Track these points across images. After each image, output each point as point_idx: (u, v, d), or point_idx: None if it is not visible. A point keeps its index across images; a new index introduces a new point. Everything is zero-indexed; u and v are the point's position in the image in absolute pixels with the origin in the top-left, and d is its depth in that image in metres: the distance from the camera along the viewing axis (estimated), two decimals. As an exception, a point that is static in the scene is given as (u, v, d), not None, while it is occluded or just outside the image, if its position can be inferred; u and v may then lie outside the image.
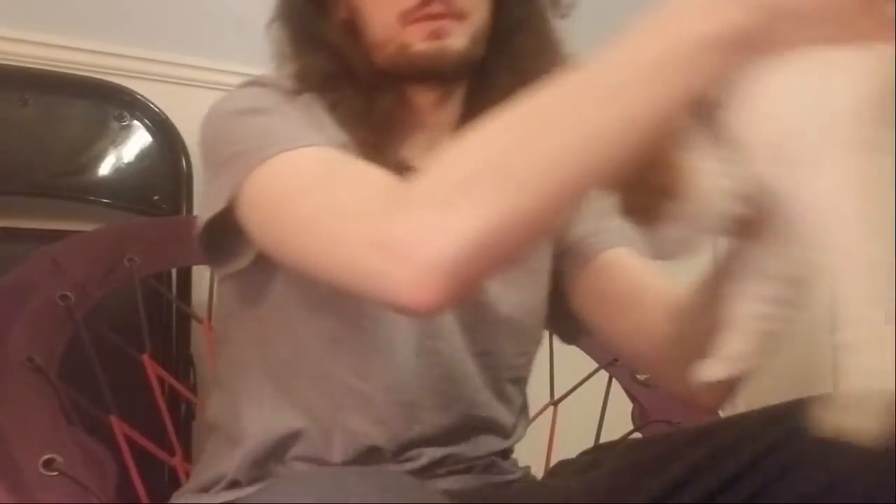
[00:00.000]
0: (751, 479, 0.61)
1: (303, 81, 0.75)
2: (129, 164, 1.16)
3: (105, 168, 1.16)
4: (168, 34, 1.27)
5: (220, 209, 0.65)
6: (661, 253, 0.53)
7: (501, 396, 0.77)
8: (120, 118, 1.16)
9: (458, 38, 0.76)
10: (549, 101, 0.49)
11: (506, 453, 0.80)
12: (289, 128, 0.65)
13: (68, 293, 0.86)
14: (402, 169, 0.60)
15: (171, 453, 0.93)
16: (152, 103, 1.17)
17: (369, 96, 0.74)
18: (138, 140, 1.17)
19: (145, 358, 0.96)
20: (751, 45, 0.45)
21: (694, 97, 0.47)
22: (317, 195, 0.58)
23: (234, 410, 0.75)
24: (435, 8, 0.74)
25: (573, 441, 0.91)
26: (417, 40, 0.75)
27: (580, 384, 0.96)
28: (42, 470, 0.76)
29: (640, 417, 0.96)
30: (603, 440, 0.96)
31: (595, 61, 0.48)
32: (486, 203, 0.47)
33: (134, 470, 0.83)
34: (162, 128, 1.19)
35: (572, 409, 0.92)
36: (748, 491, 0.61)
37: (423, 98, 0.79)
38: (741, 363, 0.52)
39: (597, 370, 0.99)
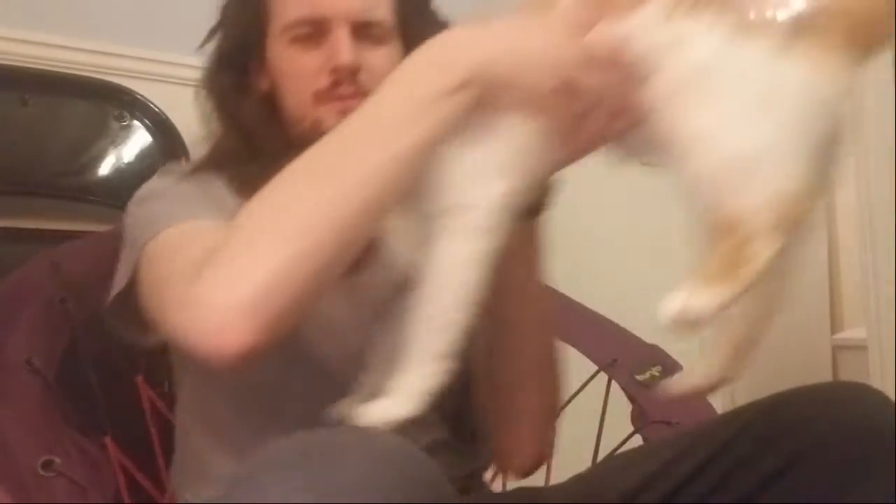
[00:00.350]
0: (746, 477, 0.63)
1: (212, 157, 0.82)
2: (128, 163, 1.16)
3: (105, 168, 1.15)
4: (168, 34, 1.26)
5: (122, 287, 0.71)
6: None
7: (451, 421, 0.79)
8: (120, 118, 1.16)
9: None
10: (317, 156, 0.58)
11: (472, 476, 0.81)
12: (174, 207, 0.72)
13: (67, 297, 0.86)
14: None
15: (162, 490, 0.90)
16: (152, 103, 1.17)
17: (269, 168, 0.77)
18: (138, 140, 1.17)
19: (139, 380, 0.94)
20: (473, 101, 0.57)
21: (433, 140, 0.57)
22: (165, 264, 0.65)
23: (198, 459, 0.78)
24: (345, 89, 0.80)
25: (574, 443, 0.91)
26: (330, 118, 0.79)
27: (581, 389, 0.96)
28: (41, 471, 0.76)
29: (640, 418, 0.95)
30: (603, 442, 0.96)
31: (349, 118, 0.58)
32: (270, 250, 0.55)
33: (126, 494, 0.82)
34: (162, 128, 1.18)
35: (572, 412, 0.91)
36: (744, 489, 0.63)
37: None
38: (415, 401, 0.56)
39: (597, 373, 0.99)
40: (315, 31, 0.82)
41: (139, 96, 1.17)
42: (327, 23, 0.81)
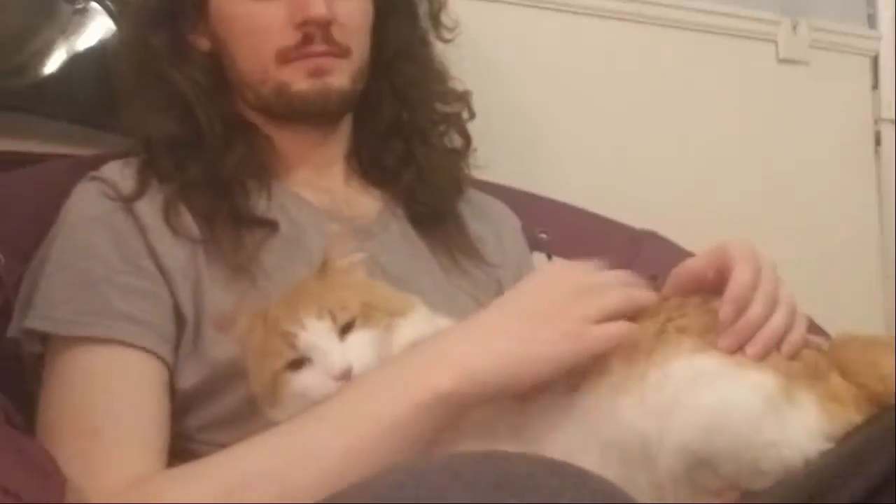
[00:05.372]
0: None
1: (147, 153, 0.79)
2: (84, 61, 0.95)
3: (52, 66, 0.95)
4: None
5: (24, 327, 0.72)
6: None
7: None
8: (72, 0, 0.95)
9: (341, 77, 0.81)
10: (299, 439, 0.61)
11: None
12: (95, 291, 0.70)
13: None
14: (264, 238, 0.77)
15: None
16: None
17: (221, 158, 0.79)
18: (96, 29, 0.96)
19: None
20: (461, 405, 0.61)
21: (426, 438, 0.60)
22: (69, 415, 0.68)
23: None
24: (316, 46, 0.78)
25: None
26: (298, 79, 0.79)
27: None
28: None
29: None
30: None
31: (338, 403, 0.61)
32: None
33: None
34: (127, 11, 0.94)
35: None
36: None
37: (305, 138, 0.85)
38: None
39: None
40: None
41: (93, -35, 0.96)
42: None
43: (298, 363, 0.61)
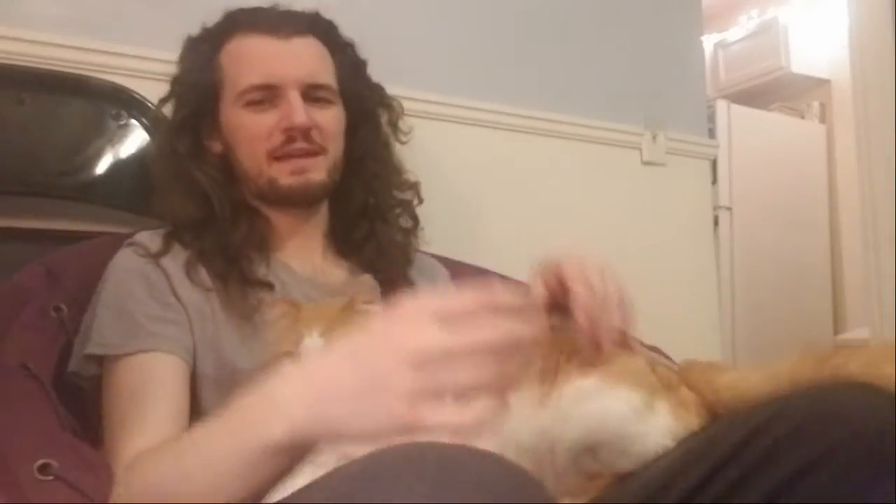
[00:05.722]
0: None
1: (173, 227, 0.90)
2: (126, 162, 1.13)
3: (102, 167, 1.13)
4: (165, 33, 1.24)
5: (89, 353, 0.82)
6: None
7: None
8: (117, 117, 1.14)
9: (319, 172, 0.91)
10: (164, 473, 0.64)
11: None
12: (135, 322, 0.82)
13: (62, 305, 0.86)
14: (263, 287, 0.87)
15: None
16: (150, 102, 1.14)
17: (231, 234, 0.90)
18: (136, 139, 1.15)
19: None
20: (308, 448, 0.55)
21: (267, 484, 0.57)
22: (121, 407, 0.79)
23: None
24: (297, 146, 0.88)
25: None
26: (284, 175, 0.89)
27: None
28: (37, 475, 0.76)
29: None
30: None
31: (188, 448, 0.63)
32: None
33: None
34: (160, 127, 1.12)
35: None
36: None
37: (291, 217, 0.95)
38: None
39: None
40: (268, 96, 0.89)
41: (136, 95, 1.15)
42: (279, 88, 0.88)
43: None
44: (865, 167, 1.94)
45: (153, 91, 1.15)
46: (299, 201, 0.93)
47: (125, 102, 1.14)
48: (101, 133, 1.13)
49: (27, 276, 0.88)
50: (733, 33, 3.84)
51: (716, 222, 1.99)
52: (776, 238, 3.23)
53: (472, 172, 1.47)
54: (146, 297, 0.84)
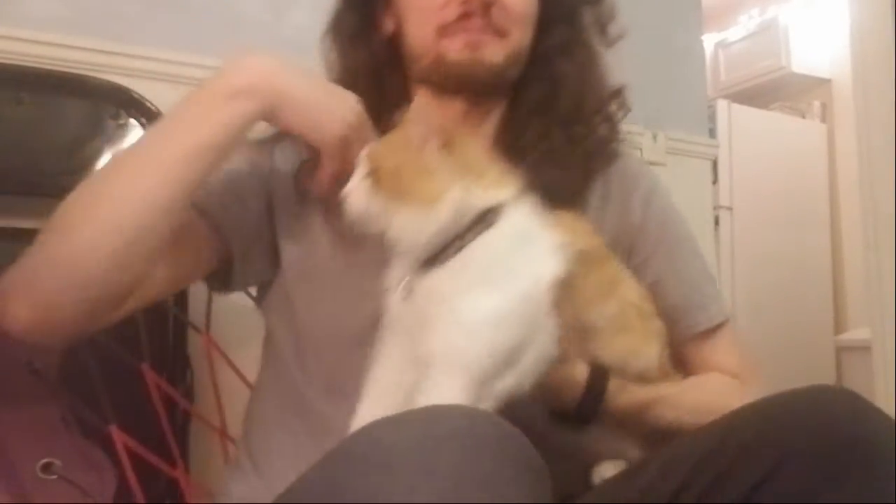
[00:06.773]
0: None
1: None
2: None
3: (101, 167, 1.10)
4: (163, 32, 1.25)
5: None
6: None
7: None
8: (116, 116, 1.14)
9: (495, 53, 0.79)
10: (131, 149, 0.71)
11: None
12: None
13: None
14: None
15: (172, 465, 0.92)
16: (148, 101, 1.15)
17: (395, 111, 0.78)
18: (134, 138, 1.13)
19: (144, 367, 0.94)
20: (257, 110, 0.67)
21: (218, 142, 0.66)
22: None
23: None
24: (474, 23, 0.77)
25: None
26: (453, 51, 0.78)
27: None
28: (40, 473, 0.78)
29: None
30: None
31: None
32: (54, 237, 0.65)
33: (134, 480, 0.82)
34: None
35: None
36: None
37: (458, 105, 0.82)
38: None
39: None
40: None
41: (135, 94, 1.15)
42: None
43: None
44: (866, 167, 1.94)
45: (152, 91, 1.15)
46: (468, 82, 0.80)
47: (124, 102, 1.15)
48: (100, 132, 1.13)
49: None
50: (734, 33, 3.85)
51: (716, 222, 2.06)
52: (777, 238, 3.23)
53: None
54: (243, 172, 0.80)
